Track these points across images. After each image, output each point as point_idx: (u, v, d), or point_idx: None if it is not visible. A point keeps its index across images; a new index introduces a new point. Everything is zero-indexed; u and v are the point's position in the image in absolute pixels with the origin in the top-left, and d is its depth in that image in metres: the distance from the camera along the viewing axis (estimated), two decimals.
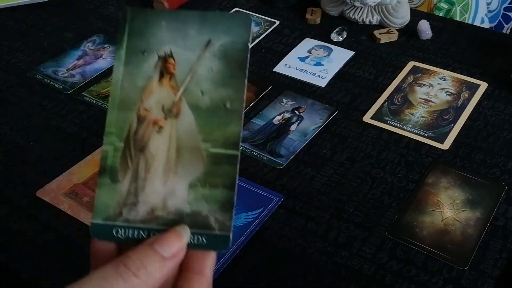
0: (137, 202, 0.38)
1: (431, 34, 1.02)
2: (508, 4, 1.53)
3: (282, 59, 0.98)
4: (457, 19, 1.41)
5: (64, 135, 0.84)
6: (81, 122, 0.87)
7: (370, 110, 0.87)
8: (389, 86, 0.91)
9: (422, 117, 0.85)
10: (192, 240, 0.37)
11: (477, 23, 1.47)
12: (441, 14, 1.40)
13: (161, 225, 0.37)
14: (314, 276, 0.65)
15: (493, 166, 0.77)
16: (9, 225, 0.71)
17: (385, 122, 0.85)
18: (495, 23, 1.56)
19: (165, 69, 0.40)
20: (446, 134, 0.82)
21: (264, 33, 1.05)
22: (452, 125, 0.84)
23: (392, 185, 0.75)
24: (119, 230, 0.38)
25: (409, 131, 0.83)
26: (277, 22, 1.07)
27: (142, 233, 0.37)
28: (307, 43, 1.02)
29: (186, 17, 0.40)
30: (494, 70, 0.94)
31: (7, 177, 0.78)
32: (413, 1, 1.42)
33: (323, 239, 0.68)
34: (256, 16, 1.09)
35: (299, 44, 1.02)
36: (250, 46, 0.40)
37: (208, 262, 0.38)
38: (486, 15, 1.51)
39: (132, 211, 0.38)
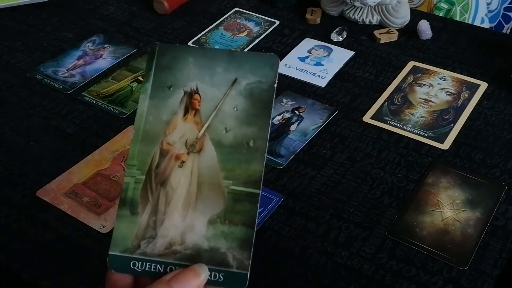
0: (155, 236, 0.38)
1: (431, 34, 1.02)
2: (508, 4, 1.53)
3: (282, 59, 0.98)
4: (457, 19, 1.41)
5: (64, 135, 0.84)
6: (81, 122, 0.87)
7: (370, 110, 0.87)
8: (389, 86, 0.91)
9: (422, 117, 0.85)
10: (209, 277, 0.37)
11: (477, 23, 1.47)
12: (441, 14, 1.40)
13: (178, 260, 0.37)
14: (314, 276, 0.65)
15: (493, 166, 0.77)
16: (9, 225, 0.71)
17: (385, 122, 0.85)
18: (495, 23, 1.56)
19: (190, 105, 0.40)
20: (446, 134, 0.82)
21: (264, 33, 1.05)
22: (452, 125, 0.84)
23: (392, 185, 0.75)
24: (136, 263, 0.38)
25: (409, 131, 0.83)
26: (277, 22, 1.07)
27: (160, 267, 0.37)
28: (307, 43, 1.02)
29: (214, 54, 0.41)
30: (494, 70, 0.94)
31: (7, 177, 0.78)
32: (413, 1, 1.42)
33: (323, 239, 0.68)
34: (256, 16, 1.09)
35: (299, 44, 1.02)
36: (276, 86, 0.40)
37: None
38: (486, 15, 1.51)
39: (150, 244, 0.38)
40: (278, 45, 1.02)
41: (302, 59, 0.98)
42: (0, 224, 0.72)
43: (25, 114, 0.88)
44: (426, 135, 0.82)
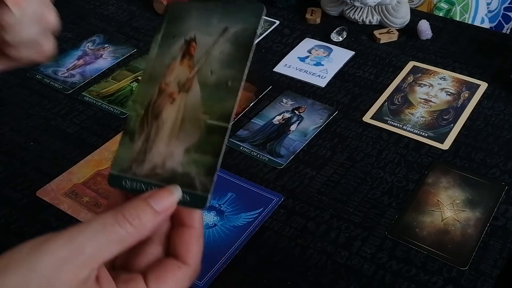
0: (144, 160, 0.44)
1: (431, 34, 1.02)
2: (508, 4, 1.53)
3: (282, 59, 0.98)
4: (457, 19, 1.41)
5: (64, 135, 0.84)
6: (81, 122, 0.87)
7: (370, 110, 0.87)
8: (389, 86, 0.91)
9: (422, 117, 0.85)
10: (180, 197, 0.42)
11: (477, 23, 1.47)
12: (441, 14, 1.40)
13: (158, 181, 0.43)
14: (314, 276, 0.65)
15: (493, 166, 0.77)
16: (9, 225, 0.71)
17: (385, 122, 0.85)
18: (495, 23, 1.56)
19: (187, 51, 0.45)
20: (446, 134, 0.82)
21: (264, 33, 1.05)
22: (452, 125, 0.84)
23: (392, 185, 0.75)
24: (127, 181, 0.44)
25: (409, 131, 0.83)
26: (277, 22, 1.07)
27: (143, 186, 0.43)
28: (307, 43, 1.02)
29: (213, 6, 0.46)
30: (494, 70, 0.94)
31: (7, 177, 0.78)
32: (413, 1, 1.42)
33: (323, 239, 0.68)
34: None
35: (299, 44, 1.02)
36: (259, 32, 0.46)
37: (196, 216, 0.42)
38: (486, 15, 1.51)
39: (139, 167, 0.44)
40: (278, 45, 1.02)
41: (302, 59, 0.98)
42: (0, 224, 0.72)
43: (25, 114, 0.88)
44: (426, 135, 0.82)
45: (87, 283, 0.37)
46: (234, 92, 0.43)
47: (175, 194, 0.41)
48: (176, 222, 0.43)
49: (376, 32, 1.02)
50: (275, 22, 1.07)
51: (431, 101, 0.88)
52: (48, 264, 0.36)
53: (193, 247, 0.42)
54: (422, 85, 0.91)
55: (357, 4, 1.01)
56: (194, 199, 0.41)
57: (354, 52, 0.99)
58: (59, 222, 0.71)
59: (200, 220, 0.42)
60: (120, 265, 0.43)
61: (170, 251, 0.42)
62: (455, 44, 1.00)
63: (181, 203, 0.41)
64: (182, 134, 0.43)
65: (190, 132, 0.43)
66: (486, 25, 1.50)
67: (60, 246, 0.37)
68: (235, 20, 0.45)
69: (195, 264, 0.42)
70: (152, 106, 0.45)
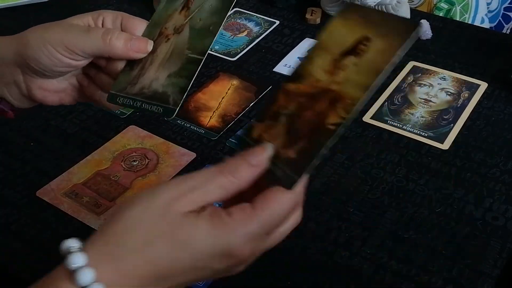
0: (136, 83, 0.54)
1: (431, 34, 1.02)
2: (508, 4, 1.53)
3: (282, 59, 0.98)
4: (457, 19, 1.41)
5: (64, 135, 0.84)
6: (81, 122, 0.87)
7: (370, 110, 0.87)
8: (389, 86, 0.91)
9: (422, 117, 0.85)
10: (154, 109, 0.53)
11: (477, 23, 1.47)
12: (441, 14, 1.40)
13: (143, 98, 0.54)
14: (314, 276, 0.65)
15: (493, 166, 0.77)
16: (9, 225, 0.71)
17: (385, 122, 0.85)
18: (495, 23, 1.56)
19: (186, 5, 0.56)
20: (446, 134, 0.82)
21: (264, 33, 1.05)
22: (452, 125, 0.84)
23: (392, 185, 0.75)
24: (120, 98, 0.55)
25: (409, 131, 0.83)
26: (277, 22, 1.07)
27: (131, 101, 0.54)
28: (307, 43, 1.02)
29: None
30: (494, 70, 0.94)
31: (7, 177, 0.78)
32: (413, 1, 1.42)
33: (323, 239, 0.68)
34: (256, 16, 1.09)
35: (299, 44, 1.02)
36: None
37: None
38: (486, 15, 1.51)
39: (132, 87, 0.54)
40: (278, 45, 1.02)
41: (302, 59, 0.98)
42: (0, 224, 0.72)
43: (25, 114, 0.88)
44: (426, 135, 0.82)
45: (199, 215, 0.42)
46: (213, 34, 0.53)
47: (267, 150, 0.45)
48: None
49: None
50: (275, 22, 1.07)
51: (431, 101, 0.88)
52: (166, 198, 0.42)
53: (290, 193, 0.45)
54: (422, 85, 0.91)
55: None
56: (165, 110, 0.52)
57: None
58: (59, 222, 0.71)
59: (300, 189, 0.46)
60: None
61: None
62: (455, 44, 1.00)
63: (155, 112, 0.53)
64: (168, 63, 0.54)
65: (174, 62, 0.53)
66: (486, 25, 1.50)
67: (173, 186, 0.43)
68: None
69: (298, 196, 0.46)
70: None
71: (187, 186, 0.43)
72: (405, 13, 1.04)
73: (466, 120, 0.84)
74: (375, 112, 0.86)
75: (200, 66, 0.52)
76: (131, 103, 0.54)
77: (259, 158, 0.45)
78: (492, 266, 0.65)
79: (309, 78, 0.47)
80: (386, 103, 0.88)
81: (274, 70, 0.96)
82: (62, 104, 0.61)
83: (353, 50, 0.46)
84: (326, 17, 1.08)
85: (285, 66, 0.97)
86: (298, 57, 0.98)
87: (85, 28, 0.56)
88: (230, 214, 0.43)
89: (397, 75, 0.94)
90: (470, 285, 0.63)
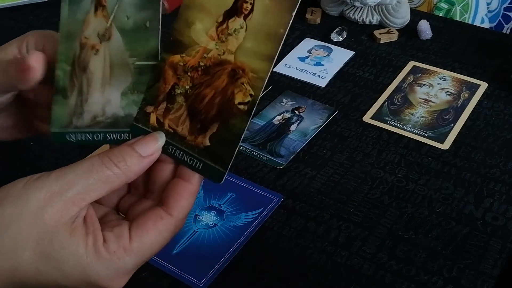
0: (82, 112, 0.46)
1: (431, 34, 1.02)
2: (508, 4, 1.54)
3: (282, 59, 0.98)
4: (457, 19, 1.41)
5: None
6: None
7: (370, 110, 0.87)
8: (389, 86, 0.91)
9: (422, 117, 0.85)
10: (126, 136, 0.45)
11: (477, 23, 1.47)
12: (441, 14, 1.40)
13: (102, 128, 0.46)
14: (314, 276, 0.65)
15: (493, 166, 0.77)
16: None
17: (385, 122, 0.85)
18: (495, 23, 1.56)
19: (98, 3, 0.46)
20: (446, 134, 0.82)
21: None
22: (452, 125, 0.84)
23: (392, 185, 0.75)
24: (71, 135, 0.47)
25: (409, 131, 0.83)
26: None
27: (89, 136, 0.47)
28: (307, 43, 1.02)
29: None
30: (494, 70, 0.94)
31: (7, 177, 0.78)
32: (413, 1, 1.42)
33: (323, 239, 0.68)
34: None
35: (299, 44, 1.02)
36: None
37: (196, 174, 0.44)
38: (486, 15, 1.51)
39: (79, 119, 0.47)
40: None
41: (302, 59, 0.98)
42: None
43: None
44: (426, 135, 0.82)
45: (75, 222, 0.39)
46: (155, 31, 0.45)
47: (159, 140, 0.43)
48: (177, 174, 0.44)
49: (376, 32, 1.02)
50: None
51: (431, 101, 0.88)
52: (40, 198, 0.39)
53: (182, 200, 0.43)
54: (422, 85, 0.91)
55: (357, 4, 1.01)
56: (135, 132, 0.45)
57: (354, 52, 0.99)
58: None
59: (198, 179, 0.44)
60: (121, 209, 0.46)
61: (161, 200, 0.44)
62: (455, 44, 1.00)
63: (124, 141, 0.44)
64: (114, 80, 0.46)
65: (121, 76, 0.46)
66: (486, 25, 1.50)
67: (51, 181, 0.40)
68: None
69: (179, 218, 0.43)
70: (77, 61, 0.46)
71: (65, 181, 0.40)
72: (405, 13, 1.04)
73: (466, 120, 0.84)
74: (375, 112, 0.86)
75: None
76: (89, 137, 0.47)
77: (150, 149, 0.42)
78: (492, 266, 0.65)
79: (194, 47, 0.44)
80: (386, 103, 0.88)
81: (274, 70, 0.96)
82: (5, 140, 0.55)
83: (236, 10, 0.42)
84: (326, 17, 1.08)
85: (285, 66, 0.97)
86: (298, 57, 0.98)
87: None
88: (106, 242, 0.40)
89: (397, 75, 0.94)
90: (470, 285, 0.63)
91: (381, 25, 1.05)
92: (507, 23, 1.56)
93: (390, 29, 1.03)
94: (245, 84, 0.41)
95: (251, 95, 0.41)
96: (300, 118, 0.85)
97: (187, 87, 0.43)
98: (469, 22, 1.44)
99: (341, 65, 0.96)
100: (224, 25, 0.43)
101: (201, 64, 0.43)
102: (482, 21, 1.49)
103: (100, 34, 0.46)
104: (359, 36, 1.03)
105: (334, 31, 1.03)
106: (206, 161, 0.42)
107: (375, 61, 0.97)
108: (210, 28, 0.43)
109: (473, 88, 0.90)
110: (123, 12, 0.46)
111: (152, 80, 0.45)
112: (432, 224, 0.70)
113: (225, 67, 0.42)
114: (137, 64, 0.45)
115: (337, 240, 0.68)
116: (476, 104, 0.87)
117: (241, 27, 0.42)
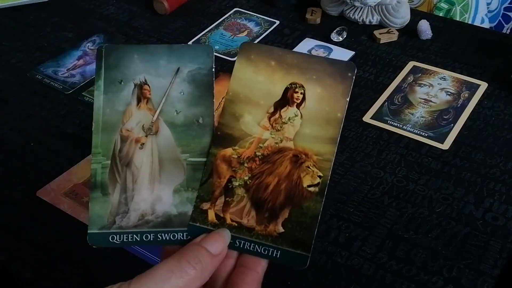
0: (128, 210, 0.43)
1: (431, 34, 1.02)
2: (508, 4, 1.53)
3: None
4: (457, 19, 1.41)
5: (64, 135, 0.84)
6: (81, 122, 0.87)
7: (370, 110, 0.87)
8: (389, 86, 0.91)
9: (422, 117, 0.85)
10: (181, 236, 0.43)
11: (477, 23, 1.47)
12: (441, 14, 1.40)
13: (152, 228, 0.43)
14: (314, 276, 0.65)
15: (493, 166, 0.77)
16: (9, 225, 0.71)
17: (385, 122, 0.85)
18: (495, 23, 1.56)
19: (141, 95, 0.45)
20: (446, 134, 0.82)
21: (264, 33, 1.05)
22: (452, 125, 0.84)
23: (392, 185, 0.75)
24: (115, 237, 0.43)
25: (409, 131, 0.83)
26: (277, 22, 1.07)
27: (136, 237, 0.43)
28: (307, 43, 1.02)
29: (155, 49, 0.47)
30: (494, 70, 0.94)
31: (7, 177, 0.78)
32: (413, 1, 1.42)
33: (323, 239, 0.68)
34: (256, 16, 1.09)
35: (299, 44, 1.02)
36: (214, 70, 0.47)
37: (262, 262, 0.44)
38: (486, 15, 1.51)
39: (125, 218, 0.43)
40: (278, 45, 1.02)
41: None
42: (0, 224, 0.72)
43: (25, 114, 0.88)
44: (426, 135, 0.82)
45: None
46: (208, 127, 0.45)
47: (226, 236, 0.42)
48: (239, 263, 0.44)
49: (376, 32, 1.02)
50: (275, 22, 1.07)
51: (431, 101, 0.88)
52: None
53: None
54: (422, 85, 0.91)
55: (357, 4, 1.01)
56: (193, 231, 0.43)
57: (354, 52, 0.99)
58: (59, 222, 0.71)
59: (263, 267, 0.44)
60: None
61: None
62: (455, 44, 1.00)
63: (178, 241, 0.42)
64: (164, 176, 0.44)
65: (173, 173, 0.44)
66: (486, 25, 1.50)
67: None
68: (184, 61, 0.46)
69: None
70: (118, 155, 0.45)
71: None
72: (405, 13, 1.04)
73: (466, 120, 0.84)
74: (375, 112, 0.86)
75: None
76: (138, 239, 0.43)
77: (220, 246, 0.41)
78: (492, 266, 0.65)
79: (246, 138, 0.44)
80: (386, 103, 0.88)
81: None
82: None
83: (287, 100, 0.44)
84: (326, 17, 1.08)
85: None
86: None
87: None
88: None
89: (397, 75, 0.94)
90: (470, 285, 0.63)
91: (381, 25, 1.05)
92: (507, 23, 1.56)
93: (390, 29, 1.03)
94: (311, 167, 0.42)
95: (319, 176, 0.42)
96: None
97: (246, 178, 0.43)
98: (469, 22, 1.44)
99: None
100: (277, 115, 0.44)
101: (258, 154, 0.44)
102: (482, 21, 1.49)
103: (145, 128, 0.45)
104: (359, 36, 1.03)
105: (334, 31, 1.03)
106: (284, 248, 0.42)
107: (375, 61, 0.97)
108: (261, 119, 0.44)
109: (473, 88, 0.90)
110: (172, 107, 0.45)
111: (204, 175, 0.44)
112: (432, 224, 0.70)
113: (285, 154, 0.43)
114: (190, 161, 0.44)
115: (337, 240, 0.68)
116: (476, 104, 0.87)
117: (296, 115, 0.44)
